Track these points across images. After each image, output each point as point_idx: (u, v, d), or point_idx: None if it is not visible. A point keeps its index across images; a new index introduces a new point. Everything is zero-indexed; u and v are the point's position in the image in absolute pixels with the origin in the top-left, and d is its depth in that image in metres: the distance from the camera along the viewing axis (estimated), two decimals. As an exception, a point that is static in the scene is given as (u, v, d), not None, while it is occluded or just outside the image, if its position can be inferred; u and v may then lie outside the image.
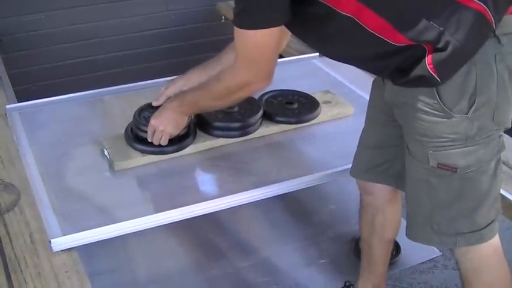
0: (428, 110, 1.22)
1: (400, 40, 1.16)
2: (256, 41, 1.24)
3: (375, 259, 1.73)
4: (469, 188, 1.28)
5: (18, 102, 2.05)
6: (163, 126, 1.59)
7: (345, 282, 1.93)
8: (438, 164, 1.26)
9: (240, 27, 1.23)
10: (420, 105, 1.22)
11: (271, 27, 1.21)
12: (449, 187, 1.29)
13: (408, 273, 2.03)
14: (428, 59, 1.16)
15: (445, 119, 1.21)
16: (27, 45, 2.86)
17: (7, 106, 1.92)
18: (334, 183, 2.23)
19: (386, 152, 1.49)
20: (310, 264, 2.05)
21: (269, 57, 1.31)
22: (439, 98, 1.20)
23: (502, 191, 1.37)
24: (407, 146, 1.33)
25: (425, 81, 1.18)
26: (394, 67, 1.22)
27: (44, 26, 2.86)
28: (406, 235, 1.41)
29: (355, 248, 2.04)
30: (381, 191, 1.59)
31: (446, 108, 1.20)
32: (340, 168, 1.62)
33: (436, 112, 1.21)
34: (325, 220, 2.26)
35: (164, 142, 1.62)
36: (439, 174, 1.27)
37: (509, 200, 1.48)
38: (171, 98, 1.63)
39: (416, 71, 1.18)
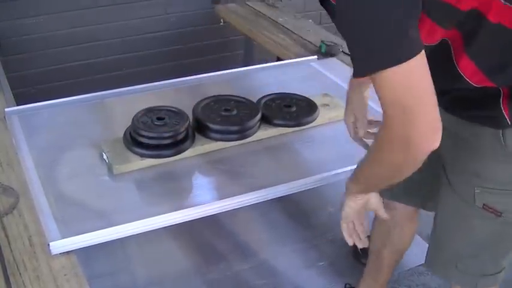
0: (488, 151, 1.16)
1: (481, 82, 1.08)
2: (399, 79, 0.90)
3: (383, 268, 1.71)
4: (508, 233, 1.24)
5: (17, 105, 2.05)
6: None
7: (345, 285, 1.93)
8: (484, 205, 1.19)
9: (370, 71, 0.90)
10: (480, 144, 1.16)
11: (410, 58, 0.88)
12: (490, 230, 1.24)
13: (407, 276, 2.03)
14: (504, 100, 1.09)
15: (505, 164, 1.15)
16: (26, 48, 2.86)
17: (6, 109, 1.92)
18: (333, 185, 2.21)
19: (417, 175, 1.44)
20: (309, 266, 2.06)
21: (424, 96, 0.92)
22: (504, 141, 1.13)
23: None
24: (447, 177, 1.26)
25: (494, 122, 1.12)
26: (460, 99, 1.14)
27: (43, 29, 2.86)
28: (425, 263, 1.39)
29: (353, 251, 2.05)
30: (403, 208, 1.55)
31: (510, 153, 1.13)
32: (338, 171, 1.62)
33: (497, 155, 1.15)
34: (324, 222, 2.27)
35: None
36: (482, 215, 1.21)
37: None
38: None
39: (487, 110, 1.11)
